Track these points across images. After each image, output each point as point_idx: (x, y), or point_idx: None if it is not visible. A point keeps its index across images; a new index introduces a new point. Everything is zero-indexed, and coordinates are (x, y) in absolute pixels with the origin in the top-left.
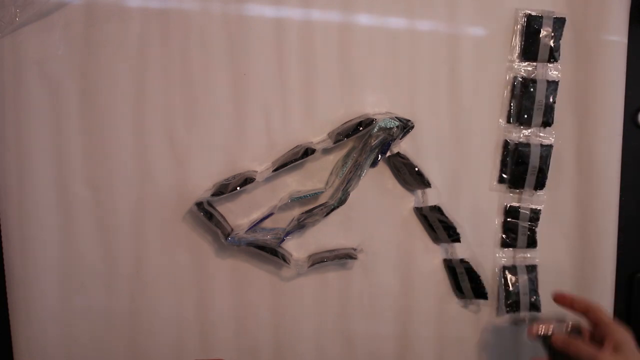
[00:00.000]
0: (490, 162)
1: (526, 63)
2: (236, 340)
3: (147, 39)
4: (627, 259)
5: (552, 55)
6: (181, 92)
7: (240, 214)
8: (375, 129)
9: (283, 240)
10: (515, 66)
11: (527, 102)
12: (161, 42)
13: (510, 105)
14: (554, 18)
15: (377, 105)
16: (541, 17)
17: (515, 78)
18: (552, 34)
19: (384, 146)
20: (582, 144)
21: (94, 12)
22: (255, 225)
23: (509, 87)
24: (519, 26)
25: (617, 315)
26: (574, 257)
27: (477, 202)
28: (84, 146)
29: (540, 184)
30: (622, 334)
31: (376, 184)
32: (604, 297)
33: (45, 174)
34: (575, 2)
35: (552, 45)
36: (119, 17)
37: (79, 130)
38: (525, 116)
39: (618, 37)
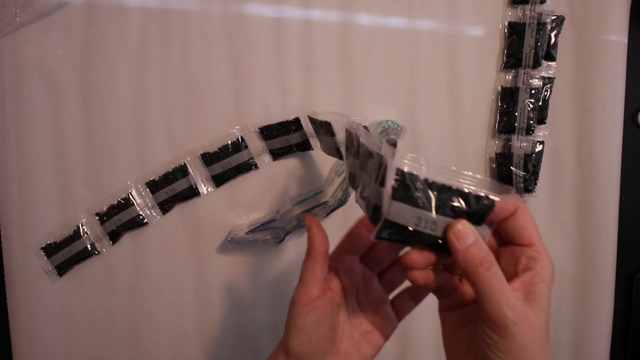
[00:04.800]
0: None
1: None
2: (236, 339)
3: (147, 39)
4: (627, 258)
5: (548, 56)
6: (181, 92)
7: (239, 213)
8: (378, 131)
9: (283, 240)
10: (502, 73)
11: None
12: (161, 42)
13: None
14: (553, 17)
15: (377, 104)
16: (523, 23)
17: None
18: (539, 37)
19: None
20: (582, 144)
21: (94, 12)
22: (255, 229)
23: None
24: (505, 31)
25: (617, 315)
26: (574, 257)
27: None
28: (84, 146)
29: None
30: (550, 267)
31: None
32: (604, 297)
33: (45, 174)
34: (575, 1)
35: (544, 47)
36: (119, 17)
37: (79, 130)
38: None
39: (618, 36)
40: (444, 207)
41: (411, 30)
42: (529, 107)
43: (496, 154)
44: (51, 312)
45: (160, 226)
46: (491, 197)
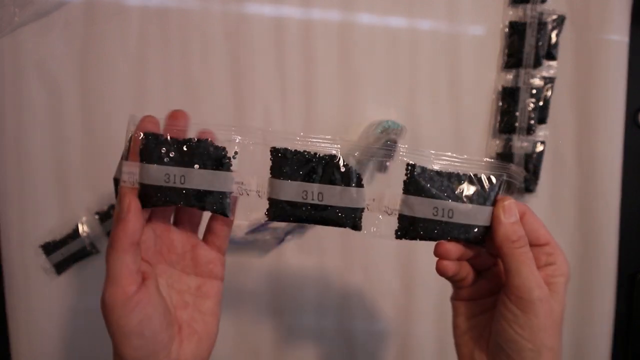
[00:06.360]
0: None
1: (513, 70)
2: (236, 339)
3: (147, 39)
4: (628, 259)
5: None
6: (181, 92)
7: (239, 214)
8: (379, 130)
9: (283, 240)
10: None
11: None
12: (161, 42)
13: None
14: (554, 17)
15: (377, 104)
16: (524, 22)
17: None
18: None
19: (391, 149)
20: (582, 144)
21: (93, 11)
22: (255, 229)
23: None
24: (506, 31)
25: (618, 315)
26: (574, 257)
27: None
28: (83, 145)
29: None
30: (567, 263)
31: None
32: (605, 298)
33: (45, 173)
34: (576, 1)
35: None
36: (118, 17)
37: (79, 130)
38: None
39: (619, 36)
40: (456, 193)
41: (411, 30)
42: (530, 106)
43: (497, 153)
44: (50, 310)
45: None
46: (493, 178)
